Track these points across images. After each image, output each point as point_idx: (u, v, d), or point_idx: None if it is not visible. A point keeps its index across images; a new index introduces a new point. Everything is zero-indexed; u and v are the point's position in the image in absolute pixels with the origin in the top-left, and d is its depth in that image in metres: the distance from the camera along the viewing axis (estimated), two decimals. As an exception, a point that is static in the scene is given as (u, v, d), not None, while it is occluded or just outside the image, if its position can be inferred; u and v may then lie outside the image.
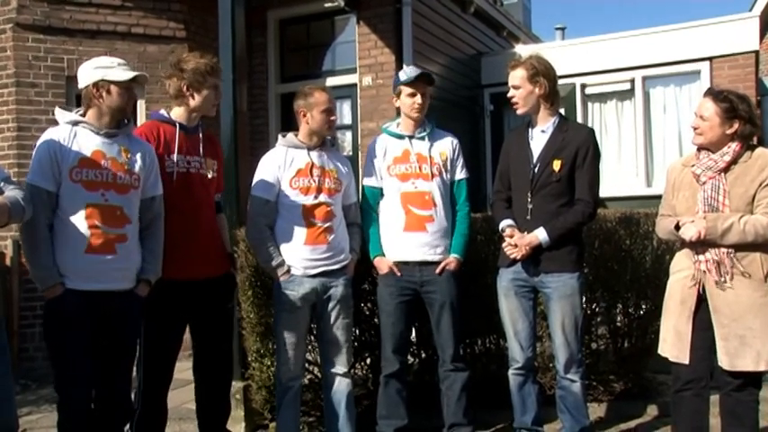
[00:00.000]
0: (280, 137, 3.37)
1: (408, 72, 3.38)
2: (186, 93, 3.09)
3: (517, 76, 3.20)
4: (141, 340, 2.99)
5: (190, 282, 3.03)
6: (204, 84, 3.08)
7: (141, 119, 5.83)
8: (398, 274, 3.31)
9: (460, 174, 3.44)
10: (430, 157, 3.35)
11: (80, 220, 2.65)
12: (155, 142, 3.00)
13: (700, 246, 2.77)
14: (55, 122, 2.83)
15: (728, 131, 2.77)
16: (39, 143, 2.71)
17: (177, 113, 3.14)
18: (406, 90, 3.34)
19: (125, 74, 2.74)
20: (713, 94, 2.84)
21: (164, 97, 5.07)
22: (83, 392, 2.71)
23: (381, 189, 3.42)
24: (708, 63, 6.95)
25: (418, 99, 3.32)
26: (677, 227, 2.83)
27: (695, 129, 2.85)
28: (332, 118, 3.27)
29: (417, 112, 3.34)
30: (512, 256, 3.15)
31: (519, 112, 3.25)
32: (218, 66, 3.17)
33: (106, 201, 2.71)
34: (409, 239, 3.31)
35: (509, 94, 3.26)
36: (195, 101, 3.10)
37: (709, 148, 2.83)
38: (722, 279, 2.74)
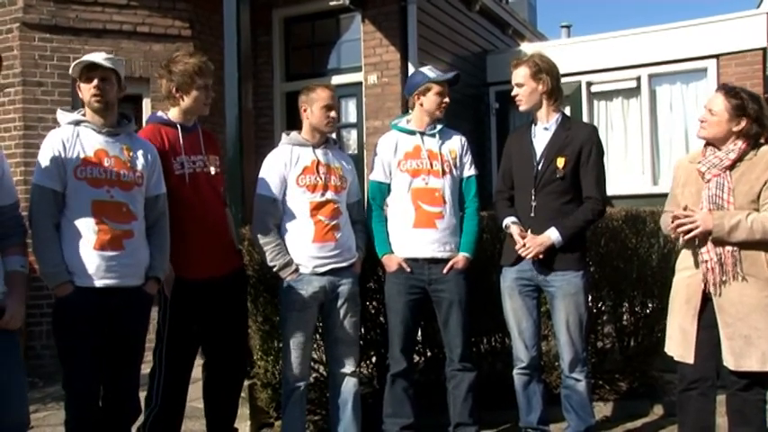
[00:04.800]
0: (284, 135, 3.37)
1: (437, 71, 3.39)
2: (176, 94, 3.10)
3: (520, 74, 3.21)
4: (164, 338, 3.01)
5: (209, 279, 3.04)
6: (193, 85, 3.07)
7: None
8: (408, 269, 3.30)
9: (469, 171, 3.44)
10: (440, 153, 3.35)
11: (87, 217, 2.67)
12: (159, 146, 3.00)
13: (703, 244, 2.76)
14: (61, 121, 2.85)
15: (735, 129, 2.76)
16: (43, 144, 2.73)
17: (174, 114, 3.15)
18: (436, 88, 3.33)
19: (75, 66, 2.73)
20: (725, 89, 2.83)
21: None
22: (91, 391, 2.72)
23: (389, 185, 3.41)
24: (715, 60, 6.92)
25: (446, 99, 3.35)
26: (675, 218, 2.81)
27: (702, 121, 2.85)
28: (331, 115, 3.26)
29: (440, 113, 3.37)
30: (524, 255, 3.13)
31: (522, 108, 3.27)
32: (208, 65, 3.15)
33: (112, 197, 2.72)
34: (419, 236, 3.30)
35: (513, 93, 3.28)
36: (185, 102, 3.10)
37: (714, 143, 2.82)
38: (725, 279, 2.73)
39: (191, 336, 3.10)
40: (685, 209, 2.78)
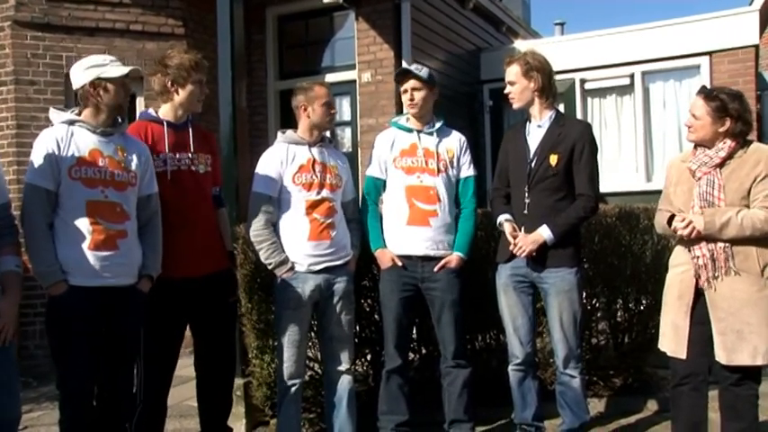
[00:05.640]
0: (279, 133, 3.37)
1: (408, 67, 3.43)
2: (171, 89, 3.09)
3: (512, 72, 3.24)
4: (143, 338, 3.00)
5: (188, 279, 3.02)
6: (189, 79, 3.08)
7: (140, 116, 5.84)
8: (400, 264, 3.30)
9: (467, 171, 3.45)
10: (437, 152, 3.36)
11: (82, 217, 2.67)
12: (143, 142, 3.00)
13: (696, 240, 2.79)
14: (54, 120, 2.85)
15: (720, 129, 2.80)
16: (36, 143, 2.72)
17: (164, 111, 3.15)
18: (400, 87, 3.40)
19: (120, 70, 2.77)
20: (705, 93, 2.87)
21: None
22: (85, 390, 2.72)
23: (384, 181, 3.42)
24: (707, 58, 6.94)
25: (408, 95, 3.36)
26: (670, 221, 2.85)
27: (689, 127, 2.89)
28: (332, 111, 3.31)
29: (410, 107, 3.37)
30: (516, 253, 3.14)
31: (514, 106, 3.29)
32: (203, 62, 3.16)
33: (106, 197, 2.73)
34: (412, 234, 3.30)
35: (505, 91, 3.30)
36: (180, 96, 3.10)
37: (704, 144, 2.85)
38: (717, 274, 2.75)
39: (171, 334, 3.08)
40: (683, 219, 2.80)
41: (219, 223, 3.29)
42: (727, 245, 2.74)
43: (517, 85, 3.23)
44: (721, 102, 2.79)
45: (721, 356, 2.74)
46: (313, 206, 3.21)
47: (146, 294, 2.87)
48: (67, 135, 2.72)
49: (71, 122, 2.76)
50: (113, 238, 2.72)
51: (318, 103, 3.25)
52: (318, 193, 3.22)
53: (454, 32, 7.59)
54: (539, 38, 10.22)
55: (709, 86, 3.00)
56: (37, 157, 2.68)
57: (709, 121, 2.80)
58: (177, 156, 3.09)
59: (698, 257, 2.79)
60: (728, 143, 2.79)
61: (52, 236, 2.67)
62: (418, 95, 3.34)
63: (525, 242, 3.11)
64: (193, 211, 3.10)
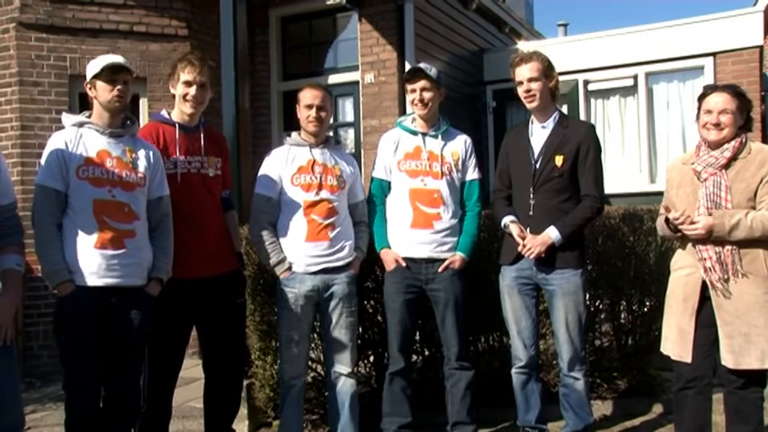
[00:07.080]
0: (285, 136, 3.38)
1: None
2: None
3: (534, 69, 3.17)
4: (148, 338, 3.00)
5: (193, 280, 3.03)
6: None
7: (144, 117, 5.84)
8: (404, 264, 3.29)
9: (473, 174, 3.44)
10: (441, 155, 3.35)
11: (88, 216, 2.69)
12: (155, 144, 3.02)
13: (702, 242, 2.77)
14: (58, 121, 2.87)
15: (740, 124, 2.81)
16: (47, 146, 2.76)
17: (177, 113, 3.16)
18: (408, 87, 3.36)
19: (98, 65, 2.77)
20: (729, 88, 2.85)
21: (166, 95, 5.06)
22: (91, 391, 2.72)
23: (389, 183, 3.41)
24: (711, 58, 6.93)
25: (417, 95, 3.31)
26: (667, 221, 2.83)
27: (717, 124, 2.80)
28: (311, 114, 3.24)
29: (418, 108, 3.34)
30: (526, 255, 3.13)
31: (533, 104, 3.20)
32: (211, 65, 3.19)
33: (113, 197, 2.75)
34: (416, 236, 3.30)
35: (525, 88, 3.19)
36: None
37: (724, 143, 2.82)
38: (725, 277, 2.73)
39: (177, 335, 3.09)
40: (669, 211, 2.80)
41: (229, 225, 3.29)
42: (734, 247, 2.73)
43: (540, 82, 3.16)
44: (744, 95, 2.81)
45: (728, 360, 2.73)
46: (311, 207, 3.20)
47: (153, 297, 2.87)
48: (76, 137, 2.76)
49: (80, 124, 2.79)
50: (121, 237, 2.73)
51: (301, 104, 3.28)
52: (317, 193, 3.22)
53: (457, 33, 7.59)
54: (542, 39, 10.20)
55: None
56: (47, 159, 2.71)
57: (739, 117, 2.80)
58: (188, 159, 3.10)
59: (705, 260, 2.78)
60: (732, 143, 2.79)
61: (61, 236, 2.69)
62: (428, 96, 3.30)
63: (534, 243, 3.10)
64: (202, 214, 3.11)
